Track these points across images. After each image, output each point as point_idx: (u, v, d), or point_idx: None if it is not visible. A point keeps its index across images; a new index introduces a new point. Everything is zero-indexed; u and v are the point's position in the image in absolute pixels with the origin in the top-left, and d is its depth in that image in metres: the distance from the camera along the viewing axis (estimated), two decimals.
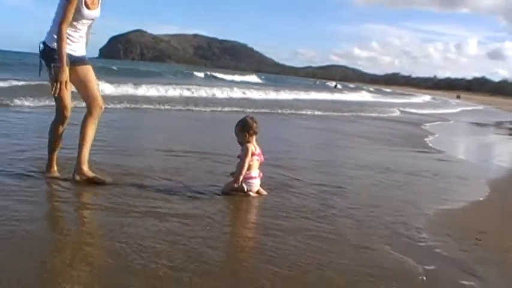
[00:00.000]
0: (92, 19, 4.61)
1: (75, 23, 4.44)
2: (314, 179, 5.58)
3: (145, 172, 5.11)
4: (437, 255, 3.39)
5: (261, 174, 4.63)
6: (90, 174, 4.57)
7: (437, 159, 8.40)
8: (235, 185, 4.50)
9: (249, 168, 4.53)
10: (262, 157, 4.67)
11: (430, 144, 10.52)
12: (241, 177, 4.48)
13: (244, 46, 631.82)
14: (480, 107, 42.62)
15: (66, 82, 4.33)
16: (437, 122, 18.42)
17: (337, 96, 31.24)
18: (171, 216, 3.77)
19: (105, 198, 4.12)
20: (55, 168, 4.71)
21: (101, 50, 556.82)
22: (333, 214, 4.21)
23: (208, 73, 51.43)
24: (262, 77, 63.84)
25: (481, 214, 4.84)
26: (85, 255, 2.94)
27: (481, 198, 5.40)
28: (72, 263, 2.83)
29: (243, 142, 4.61)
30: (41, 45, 4.47)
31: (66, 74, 4.32)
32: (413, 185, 5.86)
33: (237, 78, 49.93)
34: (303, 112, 16.45)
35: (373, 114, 18.70)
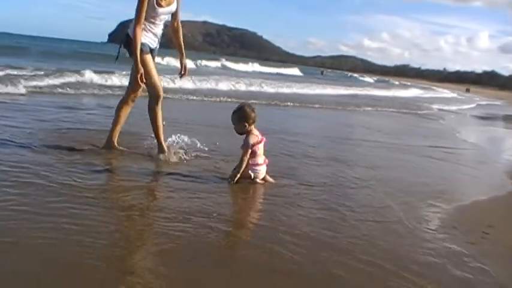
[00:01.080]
0: (168, 14, 5.05)
1: (152, 20, 4.94)
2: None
3: None
4: (443, 248, 3.36)
5: (267, 161, 4.57)
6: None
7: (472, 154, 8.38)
8: (231, 182, 4.39)
9: (254, 155, 4.46)
10: (264, 139, 4.58)
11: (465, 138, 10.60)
12: (238, 176, 4.41)
13: (253, 34, 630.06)
14: (497, 102, 42.05)
15: (141, 74, 4.80)
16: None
17: (388, 93, 30.93)
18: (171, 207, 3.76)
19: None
20: (164, 147, 5.16)
21: (109, 35, 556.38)
22: (338, 205, 4.19)
23: (251, 64, 49.60)
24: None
25: (492, 208, 4.82)
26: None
27: (497, 194, 5.36)
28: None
29: (243, 132, 4.53)
30: (124, 37, 5.00)
31: (141, 70, 4.79)
32: (429, 180, 5.79)
33: (277, 70, 49.80)
34: (367, 108, 16.38)
35: (419, 112, 18.01)
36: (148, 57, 4.97)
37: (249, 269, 2.78)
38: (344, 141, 8.24)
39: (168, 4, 4.94)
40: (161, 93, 5.07)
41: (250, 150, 4.42)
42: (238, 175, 4.40)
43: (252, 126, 4.51)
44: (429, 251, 3.27)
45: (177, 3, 5.04)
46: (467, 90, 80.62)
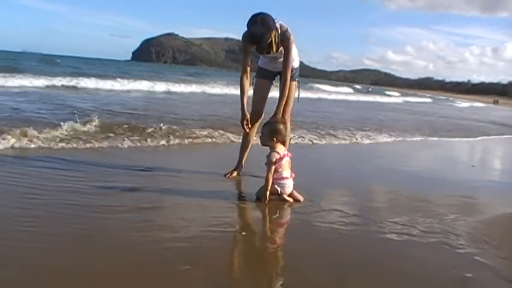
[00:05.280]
0: (274, 57, 4.94)
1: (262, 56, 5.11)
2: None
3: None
4: (476, 262, 3.31)
5: (294, 175, 4.54)
6: None
7: None
8: (265, 202, 4.34)
9: (278, 170, 4.42)
10: (290, 154, 4.56)
11: None
12: (268, 193, 4.36)
13: None
14: None
15: (246, 121, 4.96)
16: None
17: None
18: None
19: None
20: (235, 172, 5.31)
21: (133, 53, 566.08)
22: (365, 218, 4.16)
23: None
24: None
25: None
26: None
27: None
28: None
29: (267, 145, 4.53)
30: None
31: (242, 116, 4.95)
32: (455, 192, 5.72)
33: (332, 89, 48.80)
34: None
35: None
36: (260, 82, 5.16)
37: None
38: None
39: (269, 53, 4.81)
40: (253, 116, 5.09)
41: (273, 167, 4.40)
42: (268, 192, 4.38)
43: (278, 144, 4.51)
44: (462, 266, 3.22)
45: (282, 53, 4.81)
46: (496, 102, 79.20)
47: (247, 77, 4.93)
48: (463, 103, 56.91)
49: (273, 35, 4.58)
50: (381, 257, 3.31)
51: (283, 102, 4.86)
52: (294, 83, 5.03)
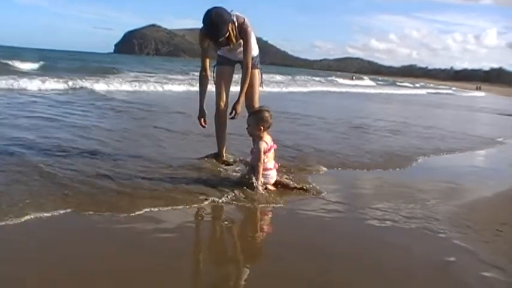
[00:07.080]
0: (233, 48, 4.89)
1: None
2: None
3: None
4: (457, 247, 3.33)
5: (277, 166, 4.53)
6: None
7: None
8: (256, 191, 4.24)
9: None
10: (275, 145, 4.53)
11: None
12: (260, 182, 4.32)
13: (258, 39, 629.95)
14: None
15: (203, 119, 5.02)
16: None
17: None
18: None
19: None
20: (223, 159, 5.25)
21: (116, 45, 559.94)
22: (350, 208, 4.18)
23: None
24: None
25: (500, 205, 4.78)
26: None
27: (501, 189, 5.31)
28: None
29: (255, 136, 4.51)
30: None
31: (200, 113, 5.01)
32: (434, 177, 5.78)
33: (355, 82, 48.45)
34: None
35: None
36: (222, 68, 5.12)
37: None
38: None
39: (228, 45, 4.78)
40: (221, 104, 5.10)
41: (263, 157, 4.36)
42: (260, 182, 4.32)
43: (265, 133, 4.48)
44: (443, 250, 3.25)
45: (241, 44, 4.84)
46: (478, 89, 79.90)
47: (206, 74, 4.99)
48: (470, 93, 57.08)
49: (230, 28, 4.60)
50: (363, 244, 3.33)
51: (245, 90, 4.90)
52: (257, 70, 5.09)
